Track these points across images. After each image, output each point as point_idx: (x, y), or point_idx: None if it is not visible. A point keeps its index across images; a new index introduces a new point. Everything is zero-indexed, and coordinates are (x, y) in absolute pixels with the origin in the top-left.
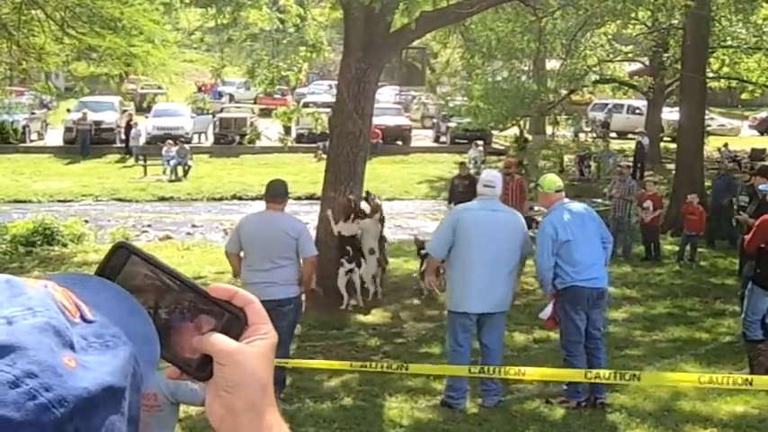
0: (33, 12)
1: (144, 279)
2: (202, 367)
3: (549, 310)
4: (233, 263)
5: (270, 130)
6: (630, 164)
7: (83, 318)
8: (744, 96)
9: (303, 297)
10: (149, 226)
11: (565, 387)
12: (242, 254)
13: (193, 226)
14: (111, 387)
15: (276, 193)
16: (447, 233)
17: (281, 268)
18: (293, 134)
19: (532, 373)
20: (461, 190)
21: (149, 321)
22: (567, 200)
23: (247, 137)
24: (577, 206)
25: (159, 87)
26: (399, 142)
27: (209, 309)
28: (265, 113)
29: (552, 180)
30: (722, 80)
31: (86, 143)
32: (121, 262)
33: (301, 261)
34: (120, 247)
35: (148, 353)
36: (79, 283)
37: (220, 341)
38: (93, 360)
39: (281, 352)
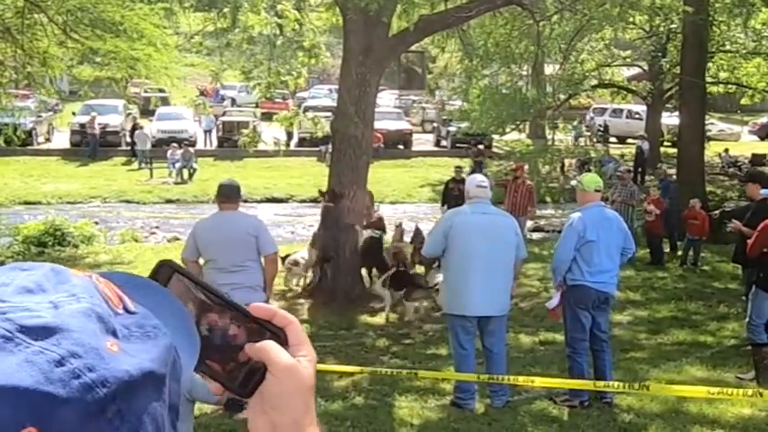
0: (36, 16)
1: (186, 296)
2: (245, 384)
3: (555, 301)
4: (192, 270)
5: (265, 134)
6: (631, 168)
7: (125, 309)
8: (743, 101)
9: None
10: (157, 227)
11: None
12: (201, 260)
13: None
14: (151, 372)
15: (230, 192)
16: (439, 238)
17: (245, 271)
18: (295, 138)
19: (541, 381)
20: (456, 194)
21: (190, 319)
22: (603, 203)
23: (242, 139)
24: (611, 213)
25: (161, 91)
26: (401, 146)
27: (249, 327)
28: (267, 117)
29: (593, 179)
30: (721, 85)
31: (95, 146)
32: (165, 279)
33: (262, 260)
34: (164, 265)
35: (188, 346)
36: (126, 280)
37: (278, 352)
38: (135, 348)
39: None
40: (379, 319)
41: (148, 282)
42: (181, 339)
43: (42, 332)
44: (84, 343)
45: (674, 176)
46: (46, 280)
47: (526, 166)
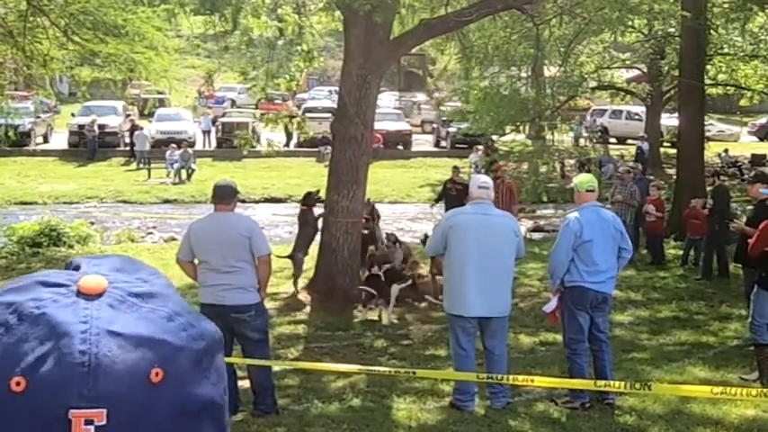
0: (38, 19)
1: None
2: None
3: (552, 304)
4: (188, 271)
5: (264, 135)
6: (630, 168)
7: None
8: (742, 103)
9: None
10: (154, 227)
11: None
12: (195, 260)
13: None
14: (222, 338)
15: (224, 193)
16: (439, 238)
17: (238, 272)
18: (294, 138)
19: (542, 381)
20: (454, 194)
21: None
22: (599, 203)
23: (238, 140)
24: (607, 213)
25: (160, 92)
26: (400, 147)
27: None
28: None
29: (585, 179)
30: (720, 87)
31: (95, 147)
32: None
33: (256, 261)
34: None
35: None
36: None
37: None
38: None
39: (263, 355)
40: (377, 320)
41: None
42: None
43: (148, 296)
44: (181, 305)
45: (675, 176)
46: (127, 264)
47: (525, 166)
